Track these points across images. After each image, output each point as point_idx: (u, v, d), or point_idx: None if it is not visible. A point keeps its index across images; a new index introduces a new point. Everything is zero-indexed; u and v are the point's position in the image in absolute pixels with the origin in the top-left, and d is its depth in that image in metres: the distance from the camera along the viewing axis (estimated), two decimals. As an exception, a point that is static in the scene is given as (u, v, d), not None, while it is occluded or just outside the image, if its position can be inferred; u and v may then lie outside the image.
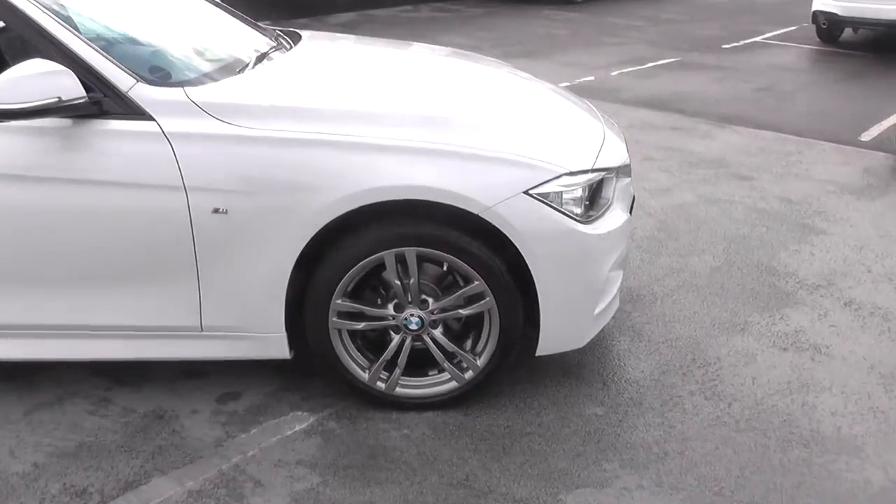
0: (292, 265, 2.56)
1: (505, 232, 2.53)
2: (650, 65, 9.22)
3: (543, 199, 2.57)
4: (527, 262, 2.57)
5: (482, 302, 2.64)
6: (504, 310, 2.65)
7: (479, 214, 2.51)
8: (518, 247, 2.55)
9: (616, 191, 2.85)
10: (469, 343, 2.81)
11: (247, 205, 2.51)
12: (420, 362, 2.81)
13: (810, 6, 10.23)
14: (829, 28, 10.23)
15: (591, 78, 8.39)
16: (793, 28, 11.76)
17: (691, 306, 3.63)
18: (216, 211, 2.51)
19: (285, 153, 2.50)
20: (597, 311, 2.79)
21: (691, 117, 6.93)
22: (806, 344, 3.35)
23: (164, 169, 2.48)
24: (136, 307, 2.66)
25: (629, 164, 3.07)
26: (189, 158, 2.48)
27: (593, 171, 2.72)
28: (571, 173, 2.64)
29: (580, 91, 6.53)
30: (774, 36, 11.30)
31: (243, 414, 2.83)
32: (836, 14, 9.82)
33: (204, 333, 2.71)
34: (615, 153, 2.95)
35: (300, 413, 2.83)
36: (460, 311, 2.68)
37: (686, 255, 4.19)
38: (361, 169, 2.49)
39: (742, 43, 10.76)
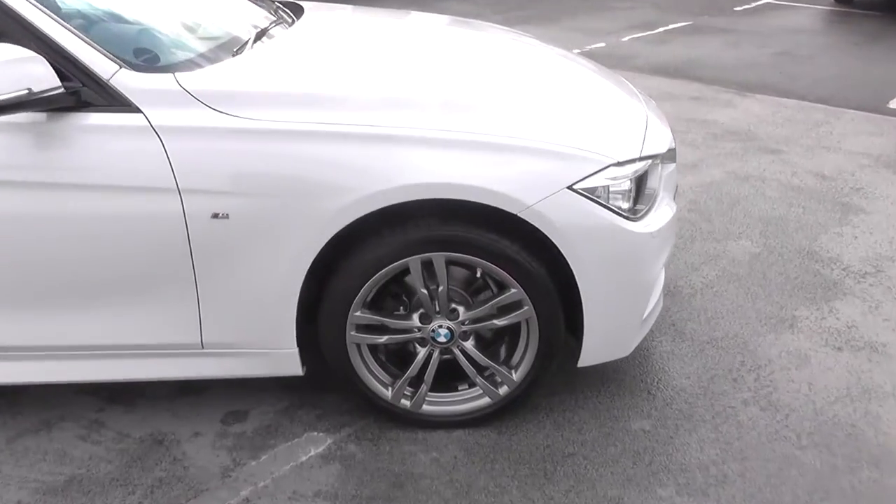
0: (304, 275, 2.25)
1: (546, 233, 2.22)
2: (661, 29, 8.83)
3: (589, 194, 2.25)
4: (570, 265, 2.26)
5: (520, 311, 2.34)
6: (544, 319, 2.35)
7: (518, 214, 2.20)
8: (560, 249, 2.24)
9: (662, 180, 2.54)
10: (503, 353, 2.52)
11: (250, 208, 2.19)
12: (447, 375, 2.52)
13: (824, -35, 9.83)
14: (844, -13, 9.83)
15: (602, 44, 8.01)
16: (804, -12, 11.35)
17: (734, 299, 3.34)
18: (215, 216, 2.19)
19: (295, 148, 2.18)
20: (644, 315, 2.50)
21: (710, 85, 6.58)
22: (860, 342, 3.06)
23: (154, 169, 2.15)
24: (128, 324, 2.35)
25: (674, 149, 2.75)
26: (182, 156, 2.15)
27: (641, 159, 2.40)
28: (619, 164, 2.32)
29: (592, 59, 6.17)
30: (786, -4, 10.90)
31: (252, 436, 2.54)
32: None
33: (205, 351, 2.40)
34: (660, 137, 2.62)
35: (315, 434, 2.54)
36: (495, 321, 2.37)
37: (722, 240, 3.88)
38: (384, 165, 2.17)
39: (753, 5, 10.36)
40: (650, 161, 2.44)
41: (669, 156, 2.68)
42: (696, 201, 4.33)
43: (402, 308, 2.44)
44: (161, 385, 2.73)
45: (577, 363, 2.46)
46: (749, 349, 2.99)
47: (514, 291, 2.30)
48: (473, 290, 2.46)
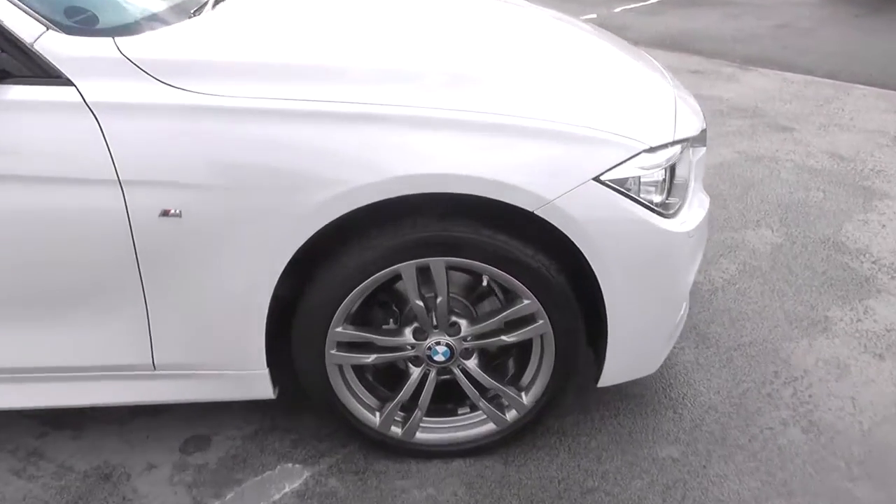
0: (274, 284, 1.86)
1: (568, 233, 1.84)
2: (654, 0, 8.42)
3: (618, 186, 1.87)
4: (594, 271, 1.89)
5: (534, 326, 1.96)
6: (562, 334, 1.97)
7: (535, 212, 1.81)
8: (584, 252, 1.87)
9: (692, 167, 2.16)
10: (510, 369, 2.15)
11: (208, 204, 1.78)
12: (445, 396, 2.15)
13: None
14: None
15: (593, 15, 7.59)
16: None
17: (759, 298, 2.98)
18: (165, 214, 1.79)
19: (263, 130, 1.77)
20: (675, 327, 2.14)
21: (710, 58, 6.20)
22: (903, 346, 2.73)
23: (88, 156, 1.74)
24: (65, 343, 1.94)
25: (706, 130, 2.37)
26: (124, 140, 1.74)
27: (674, 143, 2.01)
28: (651, 149, 1.93)
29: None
30: (780, -33, 10.50)
31: (216, 469, 2.16)
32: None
33: (158, 373, 2.01)
34: (691, 118, 2.24)
35: (290, 466, 2.16)
36: (504, 337, 1.99)
37: (739, 229, 3.52)
38: (374, 152, 1.77)
39: (748, -25, 9.96)
40: (683, 145, 2.06)
41: (700, 138, 2.30)
42: (708, 184, 3.95)
43: (391, 320, 2.06)
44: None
45: (596, 382, 2.10)
46: (781, 357, 2.64)
47: (528, 303, 1.92)
48: (477, 298, 2.09)
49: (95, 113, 1.73)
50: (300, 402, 2.32)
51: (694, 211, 2.09)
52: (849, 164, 4.24)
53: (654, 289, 1.98)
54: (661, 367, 2.53)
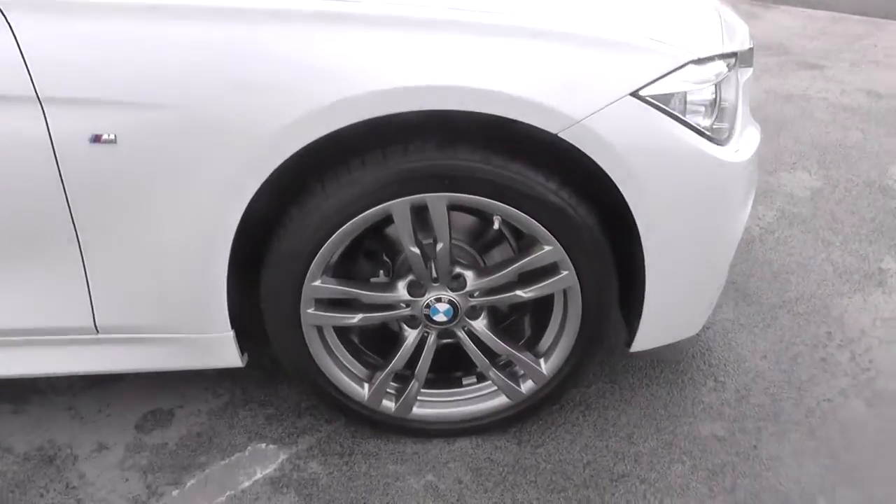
0: (236, 225, 1.48)
1: (600, 162, 1.45)
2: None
3: (661, 104, 1.48)
4: (631, 209, 1.51)
5: (556, 278, 1.58)
6: (591, 288, 1.59)
7: (560, 135, 1.42)
8: (619, 185, 1.48)
9: (740, 89, 1.76)
10: (526, 331, 1.79)
11: (149, 127, 1.39)
12: (447, 363, 1.79)
13: None
14: None
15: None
16: None
17: (802, 248, 2.61)
18: (97, 139, 1.40)
19: (216, 29, 1.37)
20: (723, 280, 1.77)
21: (729, -4, 5.73)
22: (971, 300, 2.36)
23: (-9, 64, 1.36)
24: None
25: (753, 49, 1.97)
26: (42, 46, 1.35)
27: (724, 56, 1.61)
28: (699, 61, 1.53)
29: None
30: None
31: (176, 450, 1.80)
32: None
33: (101, 337, 1.64)
34: (738, 30, 1.84)
35: (263, 447, 1.81)
36: (519, 292, 1.62)
37: (774, 171, 3.13)
38: (355, 59, 1.37)
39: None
40: (732, 62, 1.66)
41: (747, 57, 1.90)
42: (736, 125, 3.57)
43: (382, 273, 1.68)
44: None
45: (628, 346, 1.73)
46: (833, 316, 2.27)
47: (549, 249, 1.54)
48: (485, 246, 1.71)
49: (3, 10, 1.34)
50: (277, 369, 1.97)
51: (748, 138, 1.71)
52: (889, 102, 3.83)
53: (702, 231, 1.60)
54: (698, 327, 2.19)
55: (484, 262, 1.69)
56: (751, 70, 1.97)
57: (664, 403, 1.93)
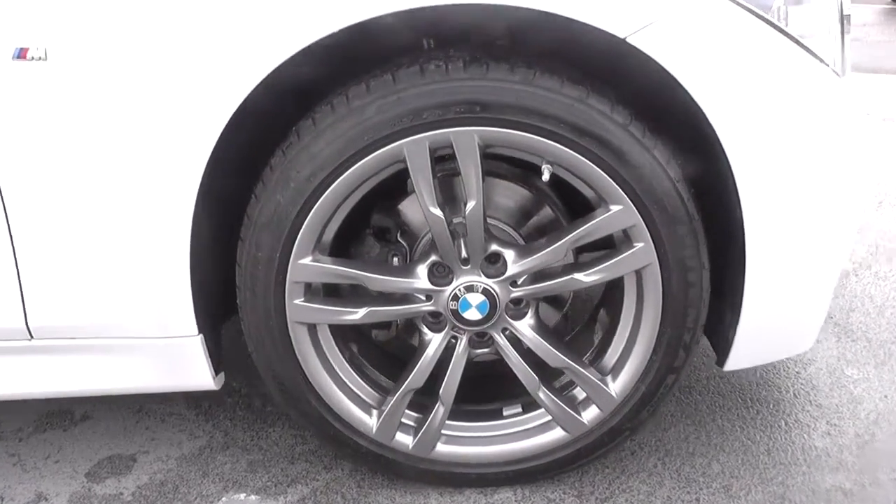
0: (199, 177, 1.06)
1: (682, 80, 1.01)
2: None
3: (762, 11, 1.05)
4: (727, 153, 1.05)
5: (628, 253, 1.11)
6: (675, 267, 1.11)
7: (627, 40, 1.00)
8: (709, 116, 1.03)
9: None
10: (594, 339, 1.30)
11: (88, 41, 1.01)
12: (479, 386, 1.30)
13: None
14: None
15: None
16: None
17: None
18: (22, 56, 1.02)
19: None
20: (839, 273, 1.28)
21: None
22: None
23: None
24: None
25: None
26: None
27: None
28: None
29: None
30: None
31: (130, 502, 1.32)
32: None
33: (35, 344, 1.20)
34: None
35: (242, 497, 1.31)
36: (577, 275, 1.14)
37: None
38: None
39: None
40: None
41: None
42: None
43: (393, 257, 1.23)
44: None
45: (721, 364, 1.23)
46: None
47: (618, 210, 1.08)
48: (524, 215, 1.26)
49: None
50: (270, 410, 1.50)
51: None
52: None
53: (817, 194, 1.12)
54: (796, 360, 1.68)
55: (523, 236, 1.23)
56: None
57: (766, 449, 1.40)
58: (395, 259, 1.21)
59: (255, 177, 1.11)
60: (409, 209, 1.23)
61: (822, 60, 1.08)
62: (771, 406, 1.53)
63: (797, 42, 1.06)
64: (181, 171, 1.05)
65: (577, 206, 1.22)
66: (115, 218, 1.09)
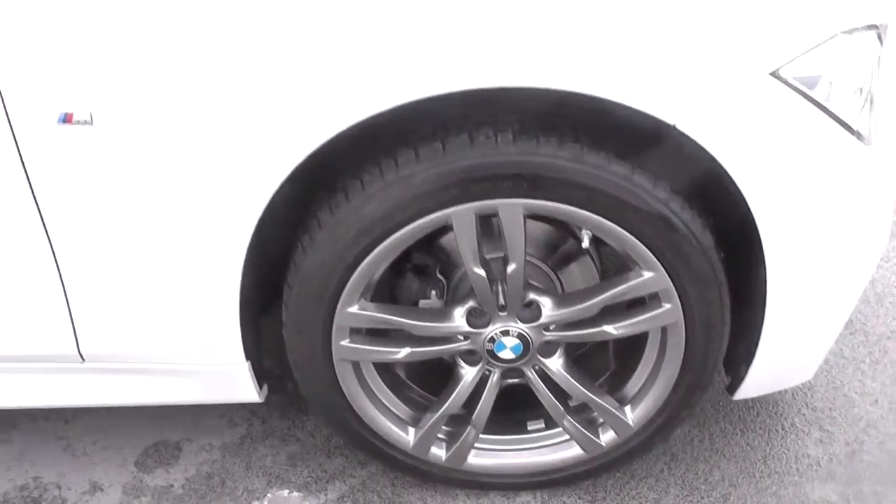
0: (250, 234, 1.09)
1: (724, 162, 1.04)
2: None
3: (806, 88, 1.07)
4: (757, 224, 1.09)
5: (656, 313, 1.18)
6: (699, 325, 1.18)
7: (677, 126, 1.02)
8: (744, 192, 1.06)
9: (881, 67, 1.32)
10: (610, 364, 1.38)
11: (139, 107, 1.02)
12: (506, 400, 1.39)
13: None
14: None
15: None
16: None
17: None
18: (68, 120, 1.03)
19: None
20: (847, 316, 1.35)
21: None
22: None
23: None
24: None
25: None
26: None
27: (871, 28, 1.19)
28: (849, 31, 1.12)
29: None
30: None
31: (182, 495, 1.43)
32: None
33: (88, 365, 1.27)
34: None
35: (286, 494, 1.43)
36: (607, 328, 1.21)
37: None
38: (406, 20, 0.98)
39: None
40: (881, 34, 1.23)
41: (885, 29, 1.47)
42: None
43: (433, 293, 1.28)
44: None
45: (731, 392, 1.32)
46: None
47: (651, 277, 1.13)
48: (561, 259, 1.31)
49: None
50: (303, 396, 1.59)
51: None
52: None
53: (838, 252, 1.17)
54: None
55: (560, 281, 1.29)
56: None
57: (763, 456, 1.52)
58: (434, 293, 1.27)
59: (304, 229, 1.14)
60: (449, 245, 1.27)
61: (858, 135, 1.11)
62: (770, 408, 1.63)
63: (833, 116, 1.08)
64: (236, 224, 1.08)
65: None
66: (167, 261, 1.13)
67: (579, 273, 1.31)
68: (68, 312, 1.20)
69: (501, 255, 1.14)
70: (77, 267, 1.15)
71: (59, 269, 1.15)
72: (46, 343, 1.23)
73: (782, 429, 1.58)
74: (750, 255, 1.15)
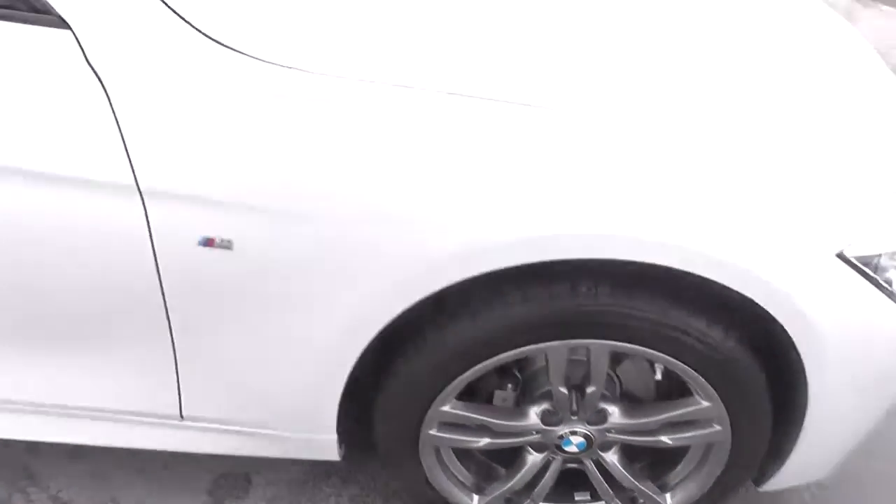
0: (361, 350, 1.22)
1: (790, 329, 1.19)
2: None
3: (865, 268, 1.21)
4: (807, 375, 1.25)
5: (707, 431, 1.34)
6: (742, 444, 1.36)
7: (757, 300, 1.16)
8: (800, 350, 1.22)
9: None
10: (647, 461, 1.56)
11: (274, 235, 1.12)
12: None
13: None
14: None
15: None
16: None
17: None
18: (209, 243, 1.13)
19: (369, 126, 1.09)
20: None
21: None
22: None
23: (87, 139, 1.07)
24: (74, 381, 1.33)
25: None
26: (146, 124, 1.07)
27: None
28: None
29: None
30: None
31: (256, 530, 1.60)
32: None
33: (186, 423, 1.40)
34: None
35: (350, 535, 1.60)
36: (663, 438, 1.38)
37: None
38: (538, 184, 1.10)
39: None
40: None
41: None
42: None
43: (509, 386, 1.42)
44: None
45: (758, 485, 1.51)
46: None
47: (707, 406, 1.30)
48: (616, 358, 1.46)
49: (97, 71, 1.05)
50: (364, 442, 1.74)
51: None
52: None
53: (868, 398, 1.35)
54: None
55: (617, 378, 1.44)
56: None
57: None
58: (510, 386, 1.41)
59: (410, 338, 1.26)
60: (533, 356, 1.40)
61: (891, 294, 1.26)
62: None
63: (886, 290, 1.23)
64: (350, 342, 1.21)
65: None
66: (280, 361, 1.26)
67: (634, 369, 1.46)
68: (177, 385, 1.32)
69: (581, 375, 1.29)
70: (194, 356, 1.27)
71: (175, 354, 1.26)
72: (153, 403, 1.35)
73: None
74: (793, 391, 1.31)
